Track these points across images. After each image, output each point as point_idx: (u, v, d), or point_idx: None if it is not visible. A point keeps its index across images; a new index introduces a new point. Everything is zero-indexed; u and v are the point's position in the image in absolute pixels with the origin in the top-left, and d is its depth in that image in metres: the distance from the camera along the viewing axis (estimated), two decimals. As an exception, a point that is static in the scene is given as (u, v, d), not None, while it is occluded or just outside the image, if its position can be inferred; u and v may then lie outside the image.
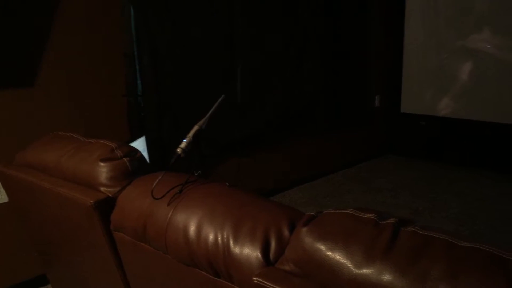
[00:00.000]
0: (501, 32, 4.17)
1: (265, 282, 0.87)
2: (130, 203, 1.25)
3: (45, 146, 1.58)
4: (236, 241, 0.98)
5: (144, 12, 2.88)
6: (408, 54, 4.91)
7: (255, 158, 3.86)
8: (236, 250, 0.97)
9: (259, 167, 3.91)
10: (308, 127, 4.24)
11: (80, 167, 1.39)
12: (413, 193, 4.03)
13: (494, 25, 4.20)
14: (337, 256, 0.81)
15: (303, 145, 4.32)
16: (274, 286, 0.85)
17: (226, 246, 0.99)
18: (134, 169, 1.37)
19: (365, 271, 0.77)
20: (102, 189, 1.32)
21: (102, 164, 1.34)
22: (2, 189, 2.10)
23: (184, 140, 1.21)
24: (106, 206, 1.29)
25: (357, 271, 0.78)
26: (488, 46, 4.25)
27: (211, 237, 1.02)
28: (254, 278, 0.89)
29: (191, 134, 1.23)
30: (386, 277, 0.74)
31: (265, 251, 0.95)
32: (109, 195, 1.30)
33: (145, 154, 2.62)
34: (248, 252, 0.95)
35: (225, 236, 1.00)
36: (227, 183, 1.21)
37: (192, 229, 1.06)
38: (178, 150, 1.21)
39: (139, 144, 2.56)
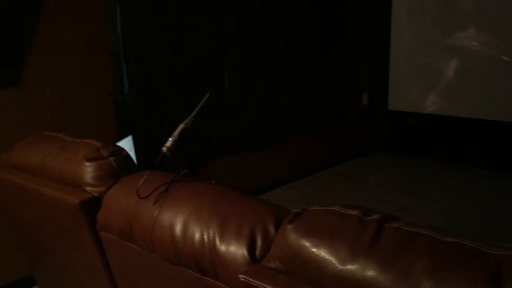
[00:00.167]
0: (486, 29, 4.21)
1: (251, 279, 0.87)
2: (116, 202, 1.24)
3: (30, 146, 1.56)
4: (222, 239, 0.98)
5: (130, 11, 2.86)
6: (395, 52, 4.93)
7: (243, 157, 3.86)
8: (222, 248, 0.97)
9: (247, 165, 3.90)
10: (296, 125, 4.25)
11: (65, 167, 1.38)
12: (402, 190, 4.05)
13: (479, 22, 4.24)
14: (322, 253, 0.81)
15: (291, 143, 4.32)
16: (260, 283, 0.85)
17: (212, 244, 0.99)
18: (120, 168, 1.36)
19: (349, 267, 0.77)
20: (88, 188, 1.31)
21: (87, 163, 1.33)
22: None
23: (170, 139, 1.21)
24: (92, 205, 1.28)
25: (342, 267, 0.78)
26: (474, 44, 4.29)
27: (197, 235, 1.02)
28: (240, 276, 0.89)
29: (176, 132, 1.23)
30: (370, 273, 0.75)
31: (251, 248, 0.95)
32: (95, 194, 1.30)
33: (132, 153, 2.61)
34: (234, 250, 0.96)
35: (211, 234, 1.00)
36: (213, 182, 1.20)
37: (178, 227, 1.06)
38: (164, 148, 1.20)
39: (126, 144, 2.55)
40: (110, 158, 1.35)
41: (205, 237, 1.00)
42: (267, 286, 0.84)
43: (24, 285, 2.58)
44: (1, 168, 1.58)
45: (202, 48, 3.32)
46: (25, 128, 2.50)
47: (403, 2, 4.76)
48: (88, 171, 1.32)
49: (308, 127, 4.36)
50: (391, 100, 5.08)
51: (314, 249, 0.82)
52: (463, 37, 4.35)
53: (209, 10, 3.33)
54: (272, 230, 0.97)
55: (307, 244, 0.84)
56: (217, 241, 0.98)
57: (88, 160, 1.34)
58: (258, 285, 0.85)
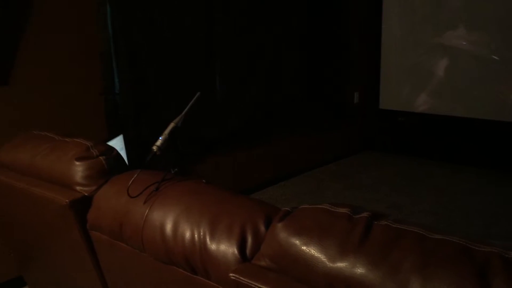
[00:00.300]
0: (476, 28, 4.25)
1: (241, 278, 0.87)
2: (106, 202, 1.24)
3: (20, 145, 1.55)
4: (212, 237, 0.98)
5: (120, 10, 2.85)
6: (386, 51, 4.96)
7: (235, 156, 3.86)
8: (213, 246, 0.97)
9: (238, 165, 3.90)
10: (287, 124, 4.26)
11: (55, 166, 1.37)
12: (392, 189, 4.08)
13: (469, 21, 4.28)
14: (312, 251, 0.82)
15: (282, 142, 4.33)
16: (250, 281, 0.86)
17: (203, 243, 0.99)
18: (111, 167, 1.36)
19: (339, 264, 0.78)
20: (78, 188, 1.31)
21: (77, 163, 1.33)
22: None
23: (160, 138, 1.21)
24: (82, 205, 1.27)
25: (331, 264, 0.79)
26: (464, 43, 4.33)
27: (187, 234, 1.02)
28: (231, 274, 0.89)
29: (166, 131, 1.23)
30: (360, 270, 0.75)
31: (241, 247, 0.95)
32: (85, 194, 1.29)
33: (123, 152, 2.60)
34: (224, 248, 0.96)
35: (201, 233, 1.00)
36: (204, 180, 1.20)
37: (168, 226, 1.06)
38: (154, 147, 1.20)
39: (117, 143, 2.54)
40: (101, 157, 1.35)
41: (196, 236, 1.00)
42: (257, 284, 0.84)
43: (14, 286, 2.57)
44: (-10, 168, 1.57)
45: (193, 47, 3.31)
46: (14, 128, 2.48)
47: (394, 2, 4.79)
48: (78, 170, 1.32)
49: (299, 126, 4.37)
50: (382, 99, 5.10)
51: (304, 247, 0.83)
52: (453, 36, 4.38)
53: (200, 9, 3.32)
54: (262, 228, 0.97)
55: (297, 242, 0.84)
56: (208, 240, 0.98)
57: (78, 159, 1.33)
58: (248, 283, 0.85)
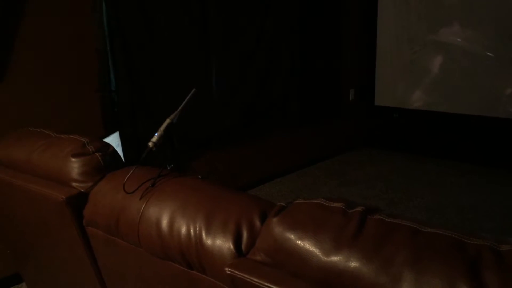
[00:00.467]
0: (470, 25, 4.26)
1: (237, 272, 0.88)
2: (103, 198, 1.24)
3: (15, 142, 1.55)
4: (208, 233, 0.99)
5: (116, 7, 2.85)
6: (381, 48, 4.97)
7: (230, 153, 3.86)
8: (209, 241, 0.98)
9: (234, 161, 3.91)
10: (283, 121, 4.26)
11: (51, 162, 1.38)
12: (388, 185, 4.10)
13: (464, 19, 4.29)
14: (307, 245, 0.82)
15: (278, 139, 4.34)
16: (246, 276, 0.86)
17: (199, 238, 0.99)
18: (107, 164, 1.36)
19: (333, 258, 0.79)
20: (74, 184, 1.31)
21: (73, 159, 1.33)
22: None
23: (156, 134, 1.21)
24: (78, 201, 1.28)
25: (325, 258, 0.79)
26: (458, 40, 4.34)
27: (183, 229, 1.02)
28: (226, 269, 0.90)
29: (162, 128, 1.23)
30: (353, 264, 0.76)
31: (237, 242, 0.96)
32: (82, 190, 1.29)
33: (119, 149, 2.60)
34: (220, 243, 0.96)
35: (197, 228, 1.00)
36: (199, 176, 1.21)
37: (164, 222, 1.06)
38: (150, 144, 1.20)
39: (113, 140, 2.54)
40: (97, 154, 1.35)
41: (192, 231, 1.01)
42: (252, 279, 0.85)
43: (11, 282, 2.57)
44: (-14, 165, 1.57)
45: (189, 44, 3.31)
46: (10, 124, 2.48)
47: (389, -1, 4.80)
48: (74, 166, 1.32)
49: (295, 123, 4.38)
50: (378, 95, 5.12)
51: (298, 241, 0.84)
52: (448, 33, 4.40)
53: (196, 6, 3.32)
54: (257, 223, 0.98)
55: (292, 236, 0.85)
56: (203, 235, 0.99)
57: (74, 155, 1.33)
58: (243, 278, 0.86)
